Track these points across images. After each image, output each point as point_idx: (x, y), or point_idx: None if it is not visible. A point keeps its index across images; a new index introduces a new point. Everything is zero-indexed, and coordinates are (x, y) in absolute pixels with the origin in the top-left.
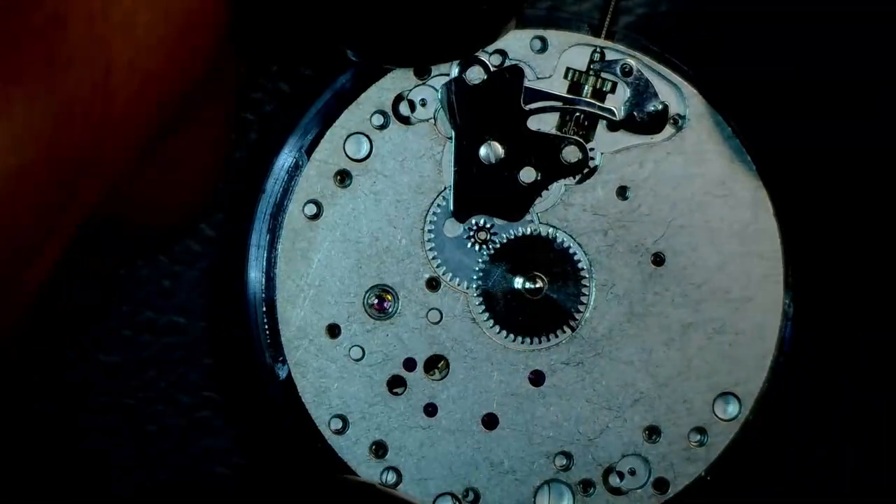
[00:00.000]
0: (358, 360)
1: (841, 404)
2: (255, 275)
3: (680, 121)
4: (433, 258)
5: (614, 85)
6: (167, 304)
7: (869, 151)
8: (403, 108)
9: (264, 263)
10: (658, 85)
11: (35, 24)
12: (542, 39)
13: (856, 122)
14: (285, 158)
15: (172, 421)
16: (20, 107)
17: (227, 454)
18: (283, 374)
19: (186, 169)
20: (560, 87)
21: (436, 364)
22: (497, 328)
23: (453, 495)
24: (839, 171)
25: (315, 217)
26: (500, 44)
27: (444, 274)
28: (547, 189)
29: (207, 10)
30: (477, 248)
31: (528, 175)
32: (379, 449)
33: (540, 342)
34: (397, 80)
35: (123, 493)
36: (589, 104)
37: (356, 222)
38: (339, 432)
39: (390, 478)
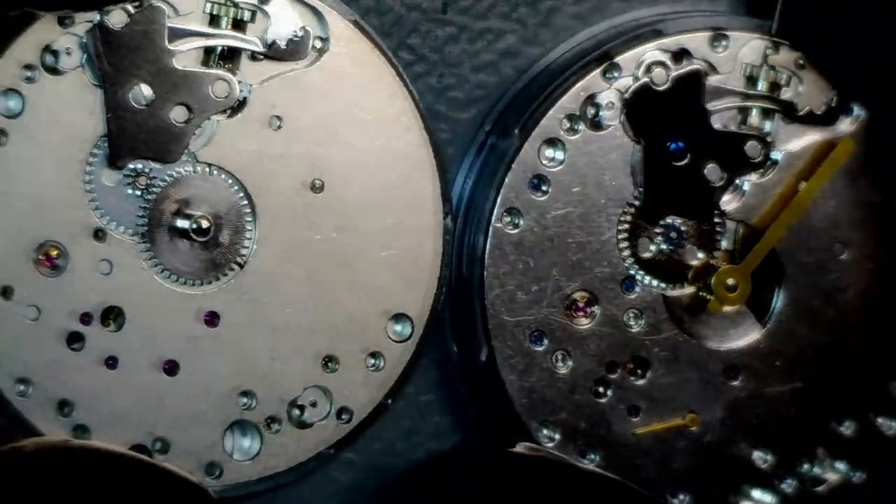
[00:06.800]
0: (35, 320)
1: None
2: None
3: (322, 44)
4: (96, 208)
5: (253, 14)
6: None
7: None
8: (50, 59)
9: None
10: (297, 10)
11: None
12: None
13: None
14: None
15: None
16: None
17: None
18: None
19: None
20: (202, 21)
21: (111, 315)
22: (166, 272)
23: (143, 446)
24: None
25: None
26: None
27: (108, 223)
28: (200, 127)
29: None
30: (138, 193)
31: (179, 114)
32: (65, 407)
33: (210, 283)
34: (41, 32)
35: None
36: (230, 37)
37: (15, 181)
38: (23, 395)
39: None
